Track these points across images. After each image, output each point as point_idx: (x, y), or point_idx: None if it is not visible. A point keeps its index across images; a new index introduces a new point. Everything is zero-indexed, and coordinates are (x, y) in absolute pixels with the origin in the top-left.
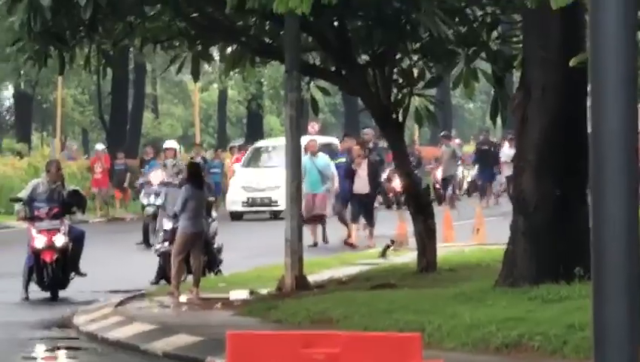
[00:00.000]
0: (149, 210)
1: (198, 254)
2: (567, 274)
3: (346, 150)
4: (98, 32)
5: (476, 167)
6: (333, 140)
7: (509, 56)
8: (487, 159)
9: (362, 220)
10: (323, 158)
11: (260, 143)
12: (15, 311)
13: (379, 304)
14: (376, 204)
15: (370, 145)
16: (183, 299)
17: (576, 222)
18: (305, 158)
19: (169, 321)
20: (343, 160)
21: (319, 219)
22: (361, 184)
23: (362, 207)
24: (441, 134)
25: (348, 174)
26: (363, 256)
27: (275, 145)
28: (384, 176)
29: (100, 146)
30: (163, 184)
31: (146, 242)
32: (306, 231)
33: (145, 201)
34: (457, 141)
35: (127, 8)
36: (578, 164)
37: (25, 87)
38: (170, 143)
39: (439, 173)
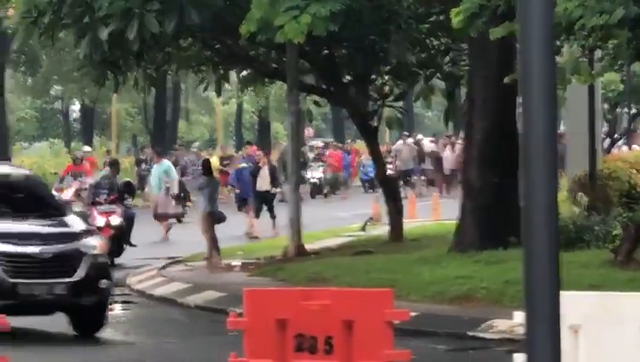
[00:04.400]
0: None
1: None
2: (503, 242)
3: (247, 156)
4: (144, 59)
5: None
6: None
7: (458, 75)
8: (419, 158)
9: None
10: (162, 165)
11: None
12: None
13: (360, 266)
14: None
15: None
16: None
17: (510, 203)
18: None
19: (199, 281)
20: (245, 165)
21: (170, 217)
22: (263, 182)
23: (264, 202)
24: (404, 134)
25: (254, 174)
26: (348, 230)
27: None
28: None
29: (87, 148)
30: None
31: None
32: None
33: None
34: (411, 141)
35: (166, 41)
36: (511, 157)
37: (88, 103)
38: None
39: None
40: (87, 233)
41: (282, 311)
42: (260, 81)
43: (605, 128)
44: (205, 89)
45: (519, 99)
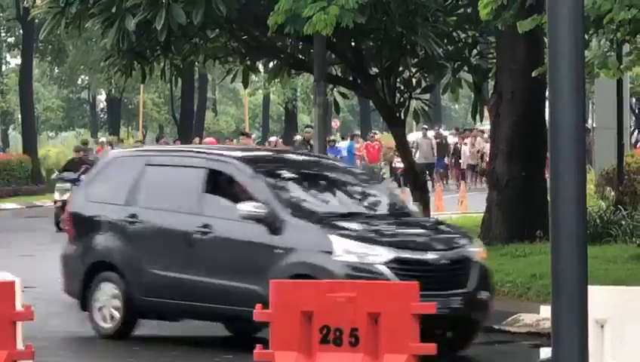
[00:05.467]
0: None
1: None
2: (530, 236)
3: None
4: (171, 50)
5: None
6: None
7: (486, 68)
8: (440, 150)
9: None
10: None
11: None
12: None
13: None
14: None
15: (312, 141)
16: None
17: (537, 196)
18: None
19: None
20: None
21: None
22: None
23: None
24: (424, 127)
25: None
26: None
27: None
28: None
29: (103, 138)
30: None
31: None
32: None
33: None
34: (432, 133)
35: (193, 32)
36: (538, 151)
37: (115, 93)
38: None
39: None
40: (466, 236)
41: (308, 303)
42: (287, 73)
43: (633, 122)
44: (232, 80)
45: (547, 93)
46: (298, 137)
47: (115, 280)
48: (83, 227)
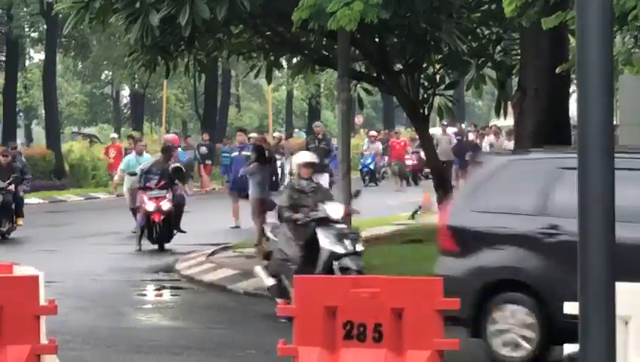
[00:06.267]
0: None
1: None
2: None
3: (239, 143)
4: (195, 45)
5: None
6: None
7: (510, 65)
8: (461, 148)
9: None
10: (146, 157)
11: None
12: (130, 260)
13: (409, 254)
14: None
15: (320, 136)
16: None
17: None
18: (130, 156)
19: (248, 267)
20: (236, 153)
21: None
22: None
23: None
24: (443, 123)
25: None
26: (397, 219)
27: None
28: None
29: (114, 135)
30: None
31: None
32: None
33: None
34: (454, 130)
35: (217, 28)
36: None
37: (138, 88)
38: None
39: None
40: None
41: (332, 298)
42: (310, 68)
43: None
44: (256, 76)
45: (571, 89)
46: (276, 134)
47: (525, 301)
48: (471, 241)
